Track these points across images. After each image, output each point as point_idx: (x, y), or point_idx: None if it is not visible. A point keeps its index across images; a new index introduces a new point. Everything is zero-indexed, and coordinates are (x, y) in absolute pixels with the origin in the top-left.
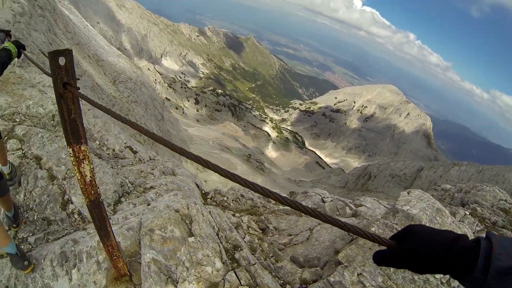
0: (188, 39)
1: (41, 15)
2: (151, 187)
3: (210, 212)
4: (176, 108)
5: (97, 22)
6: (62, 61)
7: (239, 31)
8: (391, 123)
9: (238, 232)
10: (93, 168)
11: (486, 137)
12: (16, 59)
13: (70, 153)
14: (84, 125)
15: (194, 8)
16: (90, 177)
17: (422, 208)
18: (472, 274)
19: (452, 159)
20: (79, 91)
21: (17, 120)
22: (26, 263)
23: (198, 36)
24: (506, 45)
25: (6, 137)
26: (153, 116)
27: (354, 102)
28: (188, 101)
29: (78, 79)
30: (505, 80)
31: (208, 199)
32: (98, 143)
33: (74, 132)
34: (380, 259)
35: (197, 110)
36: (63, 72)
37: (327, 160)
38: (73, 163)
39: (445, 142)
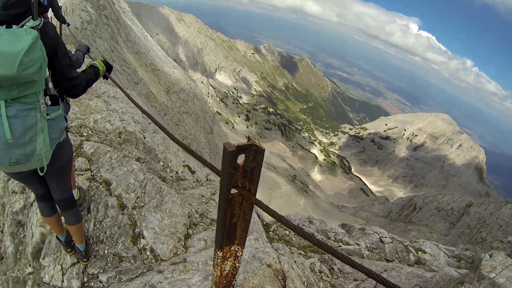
0: (243, 55)
1: (105, 23)
2: None
3: (295, 262)
4: (226, 123)
5: (156, 34)
6: (241, 159)
7: (294, 51)
8: (442, 153)
9: (313, 278)
10: (236, 263)
11: None
12: (102, 78)
13: (218, 256)
14: (148, 144)
15: (250, 26)
16: (229, 271)
17: (508, 277)
18: None
19: (506, 196)
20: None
21: (85, 134)
22: (69, 249)
23: (253, 53)
24: None
25: (74, 154)
26: (203, 129)
27: (405, 130)
28: (239, 117)
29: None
30: None
31: (270, 232)
32: (162, 164)
33: (230, 235)
34: None
35: (247, 127)
36: (238, 174)
37: (372, 187)
38: (217, 261)
39: (499, 177)
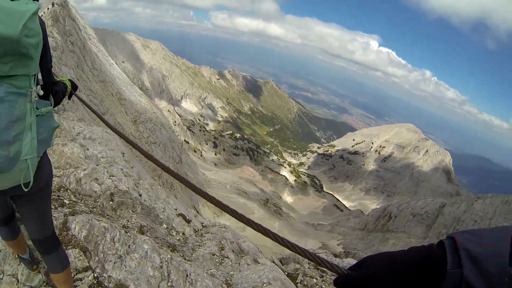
0: (208, 81)
1: (71, 50)
2: None
3: None
4: (194, 151)
5: (122, 62)
6: None
7: (259, 74)
8: (410, 161)
9: None
10: None
11: (509, 167)
12: (66, 99)
13: None
14: (147, 203)
15: (215, 51)
16: None
17: None
18: (446, 271)
19: (475, 192)
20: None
21: (67, 202)
22: (35, 266)
23: (218, 79)
24: None
25: (60, 235)
26: (171, 158)
27: (372, 143)
28: (207, 144)
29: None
30: None
31: (299, 284)
32: (166, 226)
33: None
34: (337, 284)
35: (215, 154)
36: None
37: (346, 202)
38: None
39: (467, 176)
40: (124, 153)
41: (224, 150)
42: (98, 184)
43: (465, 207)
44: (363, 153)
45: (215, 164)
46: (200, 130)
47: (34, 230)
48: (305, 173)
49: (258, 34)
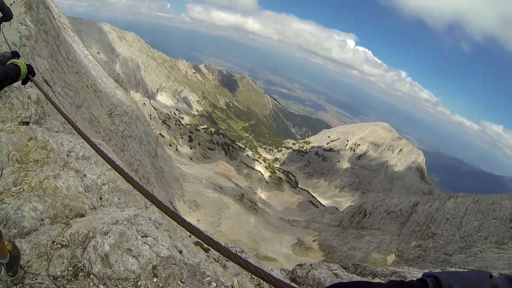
0: (184, 75)
1: (45, 40)
2: None
3: None
4: (170, 145)
5: (98, 52)
6: None
7: (235, 69)
8: (384, 160)
9: None
10: None
11: (479, 167)
12: (21, 83)
13: None
14: (190, 262)
15: (192, 44)
16: None
17: None
18: None
19: (447, 191)
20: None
21: None
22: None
23: (195, 73)
24: (493, 76)
25: None
26: (147, 152)
27: (347, 140)
28: (182, 138)
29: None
30: (493, 110)
31: None
32: (215, 285)
33: None
34: None
35: (191, 148)
36: None
37: (321, 199)
38: None
39: (439, 175)
40: None
41: (199, 144)
42: (134, 257)
43: (437, 206)
44: (338, 150)
45: (191, 159)
46: (175, 124)
47: None
48: (280, 169)
49: (235, 28)
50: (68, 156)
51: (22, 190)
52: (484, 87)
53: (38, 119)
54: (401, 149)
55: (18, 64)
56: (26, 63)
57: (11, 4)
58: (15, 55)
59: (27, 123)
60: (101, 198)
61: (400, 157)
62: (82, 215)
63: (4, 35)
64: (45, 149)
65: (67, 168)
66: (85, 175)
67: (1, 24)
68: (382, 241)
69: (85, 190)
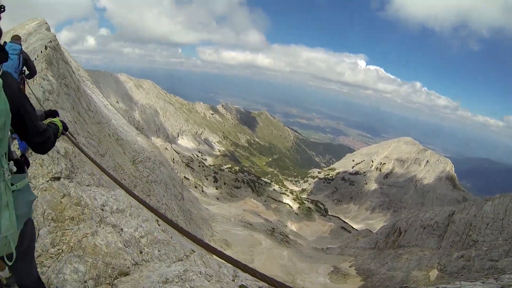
0: (203, 117)
1: (66, 93)
2: None
3: None
4: (195, 187)
5: (117, 102)
6: None
7: (252, 106)
8: (412, 174)
9: None
10: None
11: (508, 164)
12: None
13: None
14: None
15: (207, 87)
16: None
17: None
18: None
19: (482, 195)
20: None
21: None
22: None
23: (213, 114)
24: (508, 68)
25: None
26: (173, 196)
27: (372, 161)
28: (207, 179)
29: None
30: None
31: None
32: None
33: None
34: None
35: (216, 188)
36: None
37: (352, 223)
38: None
39: (470, 180)
40: (158, 220)
41: (225, 184)
42: None
43: (475, 212)
44: (364, 172)
45: (217, 198)
46: (199, 166)
47: (23, 277)
48: (308, 199)
49: (246, 66)
50: (102, 210)
51: (61, 251)
52: (501, 81)
53: (69, 173)
54: (427, 160)
55: (55, 122)
56: (60, 119)
57: (33, 60)
58: (50, 114)
59: (58, 178)
60: (141, 252)
61: (427, 169)
62: (126, 273)
63: (33, 92)
64: (79, 205)
65: (104, 223)
66: (122, 229)
67: (26, 81)
68: (422, 258)
69: (124, 245)
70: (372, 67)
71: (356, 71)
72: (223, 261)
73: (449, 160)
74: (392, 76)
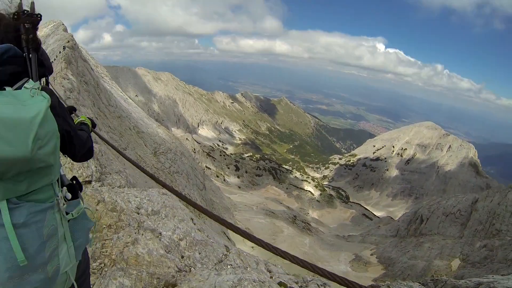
0: (222, 106)
1: (86, 90)
2: None
3: None
4: (217, 176)
5: (136, 95)
6: None
7: (271, 93)
8: (434, 160)
9: None
10: None
11: None
12: None
13: None
14: None
15: (226, 75)
16: None
17: None
18: None
19: (506, 182)
20: None
21: None
22: None
23: (232, 102)
24: None
25: None
26: (195, 186)
27: (393, 147)
28: (228, 168)
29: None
30: None
31: None
32: None
33: None
34: None
35: (238, 177)
36: None
37: (374, 210)
38: None
39: (494, 166)
40: (192, 218)
41: (246, 172)
42: None
43: (498, 199)
44: (385, 158)
45: (239, 187)
46: (220, 155)
47: None
48: (330, 185)
49: (264, 53)
50: (138, 214)
51: (103, 265)
52: None
53: (99, 175)
54: (450, 146)
55: (85, 121)
56: (88, 116)
57: (52, 60)
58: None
59: (89, 182)
60: (182, 257)
61: (450, 155)
62: (174, 285)
63: (56, 91)
64: (115, 210)
65: (142, 229)
66: (161, 233)
67: (42, 80)
68: (444, 246)
69: (165, 251)
70: (391, 50)
71: (375, 55)
72: (254, 254)
73: (472, 146)
74: (412, 59)
